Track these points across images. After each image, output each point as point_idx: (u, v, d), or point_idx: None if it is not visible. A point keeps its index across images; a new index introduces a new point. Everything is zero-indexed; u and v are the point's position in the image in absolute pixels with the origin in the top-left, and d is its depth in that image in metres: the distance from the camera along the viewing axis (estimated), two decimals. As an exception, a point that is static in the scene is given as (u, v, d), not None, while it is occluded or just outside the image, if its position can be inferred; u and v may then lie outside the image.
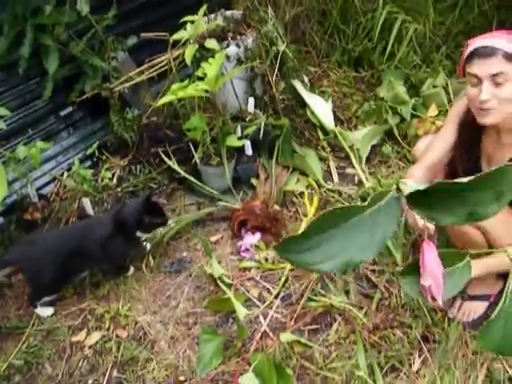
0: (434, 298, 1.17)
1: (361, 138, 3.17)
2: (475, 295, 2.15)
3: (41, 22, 2.66)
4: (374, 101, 3.46)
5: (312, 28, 4.03)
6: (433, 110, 3.24)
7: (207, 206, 2.88)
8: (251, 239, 2.63)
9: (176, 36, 2.84)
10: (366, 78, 3.80)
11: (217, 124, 2.83)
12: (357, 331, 2.15)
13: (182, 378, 2.11)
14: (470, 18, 3.74)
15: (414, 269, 1.18)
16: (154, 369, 2.15)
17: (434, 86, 3.37)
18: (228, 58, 2.99)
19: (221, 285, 2.39)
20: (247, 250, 2.62)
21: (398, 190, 1.00)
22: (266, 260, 2.55)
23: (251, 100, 3.08)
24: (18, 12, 2.59)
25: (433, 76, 3.44)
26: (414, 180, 1.12)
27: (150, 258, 2.60)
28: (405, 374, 2.02)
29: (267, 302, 2.35)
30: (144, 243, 2.58)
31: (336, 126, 3.27)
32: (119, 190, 2.81)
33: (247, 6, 3.45)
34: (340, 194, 2.89)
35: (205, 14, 2.96)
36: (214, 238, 2.73)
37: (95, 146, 2.91)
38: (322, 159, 3.15)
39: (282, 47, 3.08)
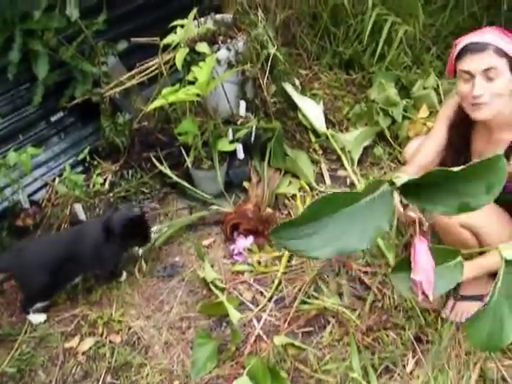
0: (424, 294, 1.17)
1: (352, 140, 3.18)
2: (467, 295, 2.15)
3: (30, 27, 2.66)
4: (365, 103, 3.46)
5: (303, 31, 4.04)
6: (424, 111, 3.26)
7: (199, 210, 2.88)
8: (244, 242, 2.63)
9: (166, 40, 2.84)
10: (356, 80, 3.81)
11: (208, 128, 2.83)
12: (350, 333, 2.15)
13: (176, 383, 2.10)
14: (460, 19, 3.76)
15: (405, 265, 1.18)
16: (148, 374, 2.14)
17: (425, 88, 3.39)
18: (219, 61, 2.99)
19: (213, 289, 2.38)
20: (240, 253, 2.61)
21: (392, 183, 1.01)
22: (259, 263, 2.55)
23: (242, 103, 3.08)
24: (6, 17, 2.59)
25: (423, 77, 3.46)
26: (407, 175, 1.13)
27: (143, 262, 2.59)
28: (399, 375, 2.03)
29: (261, 305, 2.35)
30: (136, 248, 2.57)
31: (327, 128, 3.28)
32: (111, 195, 2.81)
33: (237, 9, 3.45)
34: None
35: (195, 18, 2.97)
36: (206, 242, 2.73)
37: (86, 151, 2.90)
38: (314, 162, 3.15)
39: (272, 50, 3.09)
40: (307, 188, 2.95)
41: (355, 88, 3.77)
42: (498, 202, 1.91)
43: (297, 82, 3.40)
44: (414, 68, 3.66)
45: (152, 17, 3.45)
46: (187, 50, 2.81)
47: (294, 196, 2.92)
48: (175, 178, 2.87)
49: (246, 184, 2.94)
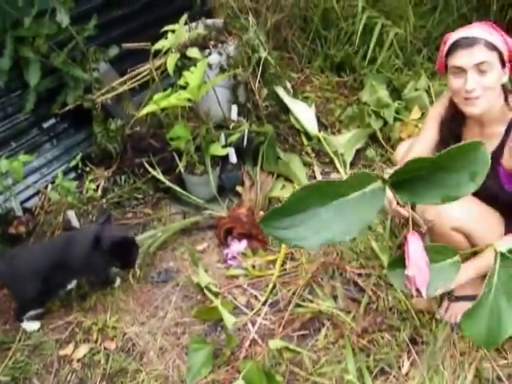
0: (418, 290, 1.17)
1: (345, 142, 3.18)
2: (462, 296, 2.15)
3: (20, 34, 2.65)
4: (357, 105, 3.48)
5: (294, 34, 4.05)
6: (415, 113, 3.27)
7: (193, 215, 2.88)
8: (238, 247, 2.63)
9: (157, 45, 2.84)
10: (348, 83, 3.82)
11: (200, 133, 2.83)
12: (345, 335, 2.15)
13: (171, 389, 2.10)
14: (450, 20, 3.78)
15: (400, 261, 1.19)
16: (143, 380, 2.13)
17: (416, 89, 3.41)
18: (210, 66, 3.00)
19: (208, 294, 2.38)
20: (234, 257, 2.61)
21: (383, 180, 1.02)
22: (253, 267, 2.55)
23: (234, 108, 3.08)
24: (-3, 25, 2.59)
25: (415, 79, 3.47)
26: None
27: (137, 268, 2.58)
28: (394, 376, 2.03)
29: (255, 309, 2.35)
30: (116, 277, 2.55)
31: (320, 131, 3.28)
32: (104, 201, 2.80)
33: (228, 13, 3.47)
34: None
35: (186, 23, 2.97)
36: (200, 247, 2.73)
37: (78, 157, 2.89)
38: (307, 164, 3.15)
39: (263, 54, 3.10)
40: (300, 191, 2.94)
41: (347, 90, 3.78)
42: (498, 202, 1.93)
43: (288, 86, 3.41)
44: (405, 70, 3.67)
45: (143, 22, 3.46)
46: (178, 55, 2.81)
47: (287, 199, 2.92)
48: (168, 183, 2.87)
49: (239, 188, 2.94)
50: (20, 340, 2.31)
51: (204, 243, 2.76)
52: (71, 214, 2.67)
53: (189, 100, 2.69)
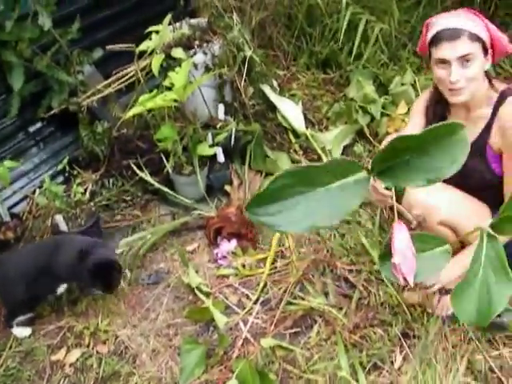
0: (405, 279, 1.18)
1: (332, 138, 3.19)
2: (452, 289, 2.16)
3: (2, 38, 2.62)
4: (344, 101, 3.48)
5: (279, 32, 4.04)
6: (402, 108, 3.28)
7: (182, 216, 2.87)
8: (228, 246, 2.63)
9: (142, 47, 2.83)
10: (334, 79, 3.82)
11: (187, 133, 2.83)
12: (337, 332, 2.15)
13: (165, 390, 2.09)
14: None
15: (388, 251, 1.20)
16: (136, 383, 2.12)
17: (403, 84, 3.41)
18: (195, 66, 2.99)
19: (199, 294, 2.38)
20: (224, 257, 2.61)
21: (368, 171, 1.03)
22: (244, 266, 2.55)
23: (221, 107, 3.08)
24: (-22, 30, 2.56)
25: (400, 74, 3.48)
26: None
27: (127, 270, 2.57)
28: (387, 371, 2.03)
29: (247, 308, 2.35)
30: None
31: (307, 128, 3.28)
32: (92, 204, 2.78)
33: (212, 13, 3.45)
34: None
35: (170, 24, 2.96)
36: (190, 248, 2.72)
37: (65, 161, 2.87)
38: (295, 162, 3.15)
39: (249, 52, 3.09)
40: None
41: (333, 87, 3.78)
42: (486, 188, 1.95)
43: (275, 84, 3.40)
44: (390, 65, 3.68)
45: (127, 23, 3.43)
46: (163, 55, 2.80)
47: (276, 197, 2.91)
48: (156, 185, 2.86)
49: (227, 187, 2.94)
50: (11, 347, 2.29)
51: (194, 243, 2.75)
52: (59, 218, 2.65)
53: (175, 100, 2.68)
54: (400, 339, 2.11)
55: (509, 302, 1.07)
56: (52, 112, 2.92)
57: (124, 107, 2.99)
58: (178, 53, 2.86)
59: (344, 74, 3.77)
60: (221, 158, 2.96)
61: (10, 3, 2.57)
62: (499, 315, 2.04)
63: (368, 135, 3.24)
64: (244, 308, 2.36)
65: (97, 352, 2.26)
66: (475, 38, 1.78)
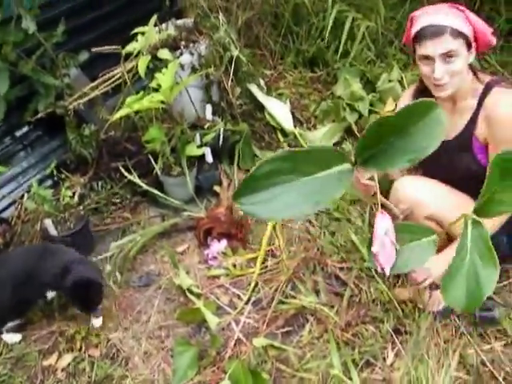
0: (382, 268, 1.18)
1: (321, 137, 3.19)
2: (443, 284, 2.17)
3: (-14, 42, 2.61)
4: (332, 99, 3.48)
5: (265, 31, 4.04)
6: (390, 105, 3.28)
7: (171, 217, 2.86)
8: (218, 247, 2.62)
9: (128, 48, 2.82)
10: (321, 78, 3.82)
11: (175, 134, 2.82)
12: (329, 330, 2.16)
13: (158, 393, 2.09)
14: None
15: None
16: (129, 386, 2.12)
17: (390, 81, 3.42)
18: (182, 66, 2.98)
19: (190, 295, 2.37)
20: (215, 257, 2.61)
21: (352, 163, 1.03)
22: (234, 266, 2.54)
23: (208, 107, 3.07)
24: (-38, 34, 2.54)
25: (387, 71, 3.49)
26: None
27: (118, 273, 2.56)
28: (380, 368, 2.04)
29: (238, 309, 2.34)
30: None
31: (295, 126, 3.28)
32: (81, 207, 2.77)
33: (198, 13, 3.45)
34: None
35: (156, 25, 2.95)
36: (180, 249, 2.71)
37: (53, 165, 2.85)
38: (284, 161, 3.14)
39: (235, 52, 3.09)
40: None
41: (321, 85, 3.78)
42: (472, 180, 1.95)
43: (262, 83, 3.40)
44: (377, 62, 3.68)
45: (112, 25, 3.41)
46: (149, 57, 2.79)
47: (265, 197, 2.91)
48: (145, 187, 2.84)
49: (216, 188, 2.94)
50: (1, 353, 2.28)
51: (184, 245, 2.74)
52: (48, 222, 2.63)
53: (162, 102, 2.67)
54: (392, 336, 2.12)
55: (499, 296, 1.08)
56: (39, 116, 2.90)
57: (111, 109, 2.97)
58: (164, 54, 2.85)
59: (331, 72, 3.77)
60: (209, 159, 2.95)
61: (-7, 7, 2.56)
62: (490, 309, 2.07)
63: (356, 133, 3.24)
64: (236, 308, 2.36)
65: (89, 356, 2.24)
66: (458, 34, 1.78)
